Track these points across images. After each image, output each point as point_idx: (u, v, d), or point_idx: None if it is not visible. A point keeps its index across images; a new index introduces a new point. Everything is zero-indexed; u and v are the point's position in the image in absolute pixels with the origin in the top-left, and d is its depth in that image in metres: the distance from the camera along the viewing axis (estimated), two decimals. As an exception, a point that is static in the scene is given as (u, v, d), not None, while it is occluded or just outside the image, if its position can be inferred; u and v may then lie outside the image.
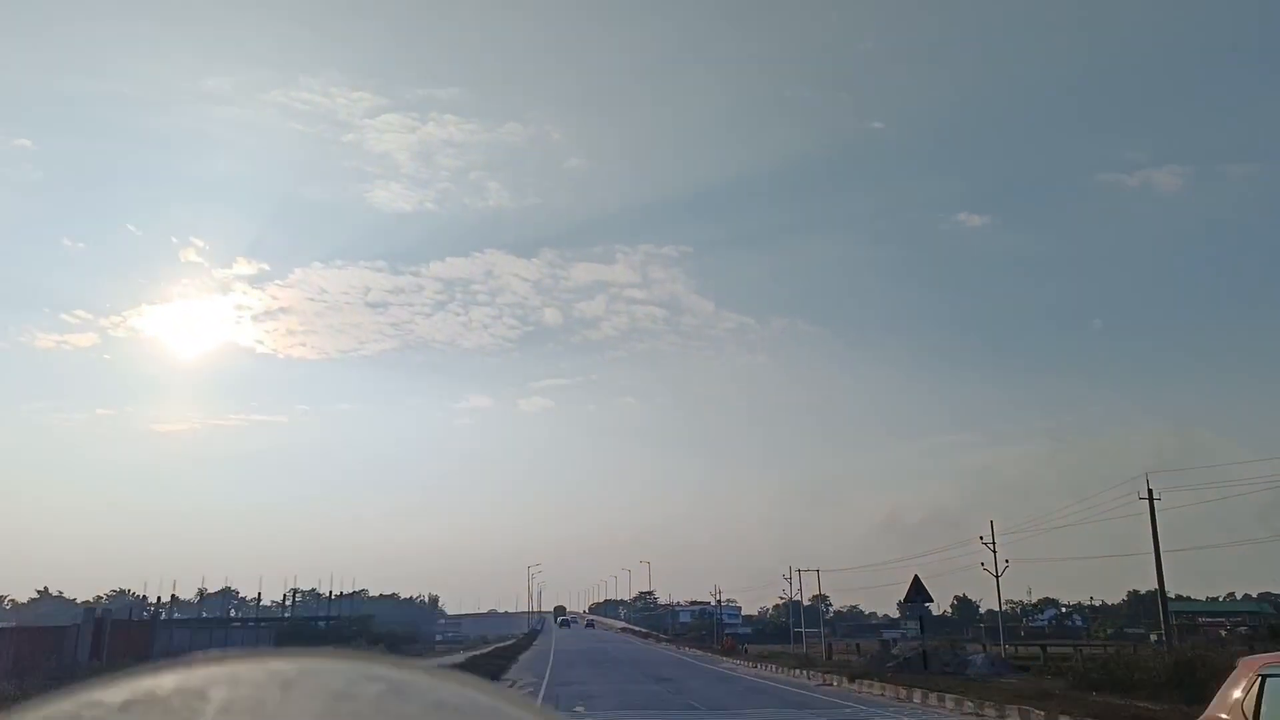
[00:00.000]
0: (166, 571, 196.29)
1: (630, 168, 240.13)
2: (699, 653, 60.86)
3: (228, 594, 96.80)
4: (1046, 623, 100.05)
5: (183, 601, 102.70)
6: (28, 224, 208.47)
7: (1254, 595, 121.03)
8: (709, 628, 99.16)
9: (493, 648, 57.27)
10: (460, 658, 40.42)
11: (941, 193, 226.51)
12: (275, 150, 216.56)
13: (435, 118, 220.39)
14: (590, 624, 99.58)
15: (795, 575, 58.48)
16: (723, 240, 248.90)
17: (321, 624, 56.85)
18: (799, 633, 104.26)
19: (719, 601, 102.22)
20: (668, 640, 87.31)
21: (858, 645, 53.31)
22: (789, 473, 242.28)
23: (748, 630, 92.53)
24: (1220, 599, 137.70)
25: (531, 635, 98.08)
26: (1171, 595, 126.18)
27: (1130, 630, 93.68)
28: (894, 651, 38.88)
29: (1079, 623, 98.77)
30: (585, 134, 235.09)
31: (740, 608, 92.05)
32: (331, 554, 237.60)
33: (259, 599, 76.58)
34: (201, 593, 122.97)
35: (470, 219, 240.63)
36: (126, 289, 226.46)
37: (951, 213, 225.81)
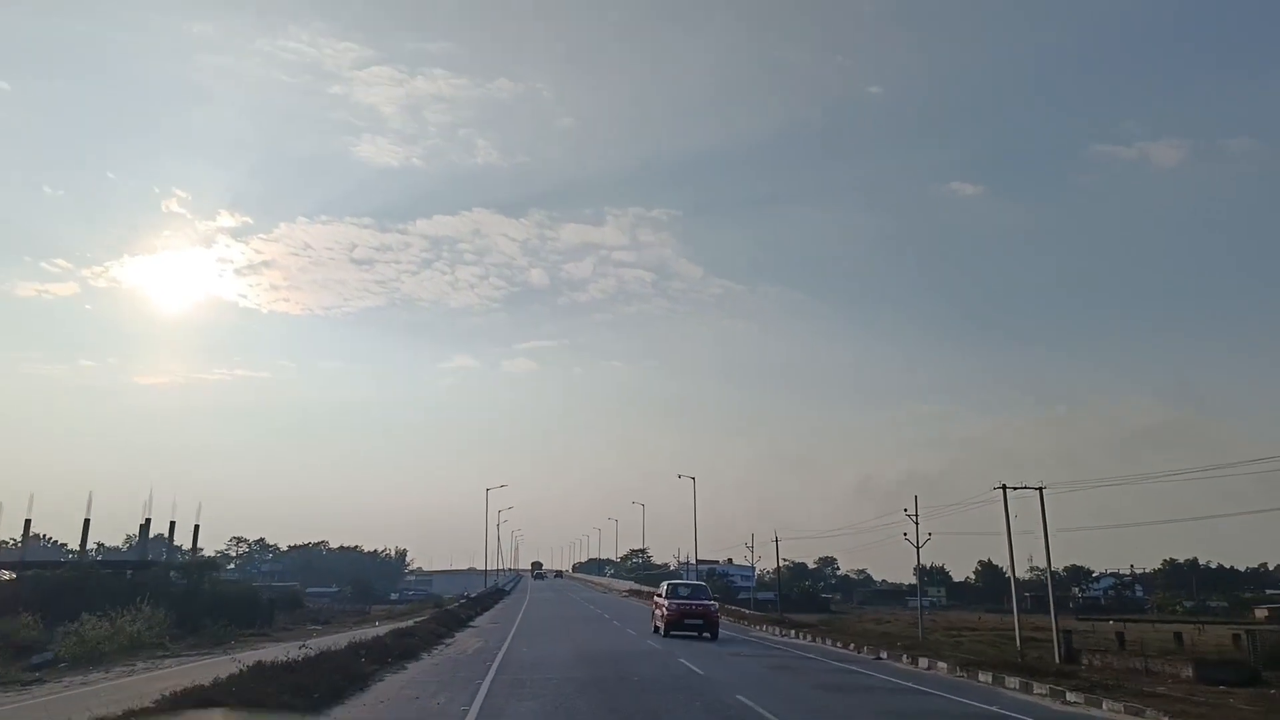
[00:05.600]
0: (119, 522, 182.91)
1: (621, 129, 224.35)
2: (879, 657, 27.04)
3: (159, 540, 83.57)
4: (1103, 593, 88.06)
5: (109, 548, 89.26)
6: (5, 169, 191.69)
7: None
8: (718, 591, 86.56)
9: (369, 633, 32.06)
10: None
11: (935, 161, 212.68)
12: (260, 100, 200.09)
13: (425, 72, 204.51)
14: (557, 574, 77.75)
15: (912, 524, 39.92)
16: (713, 205, 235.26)
17: (128, 573, 43.01)
18: (825, 599, 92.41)
19: (730, 560, 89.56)
20: (748, 616, 51.31)
21: (1111, 626, 37.80)
22: (771, 438, 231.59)
23: (769, 595, 79.95)
24: (1257, 568, 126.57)
25: (490, 596, 73.58)
26: (1212, 565, 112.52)
27: (1214, 604, 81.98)
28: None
29: (1140, 593, 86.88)
30: (576, 94, 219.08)
31: (753, 569, 79.37)
32: (300, 506, 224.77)
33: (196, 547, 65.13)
34: (128, 539, 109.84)
35: (458, 176, 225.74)
36: (108, 239, 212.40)
37: (944, 181, 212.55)
